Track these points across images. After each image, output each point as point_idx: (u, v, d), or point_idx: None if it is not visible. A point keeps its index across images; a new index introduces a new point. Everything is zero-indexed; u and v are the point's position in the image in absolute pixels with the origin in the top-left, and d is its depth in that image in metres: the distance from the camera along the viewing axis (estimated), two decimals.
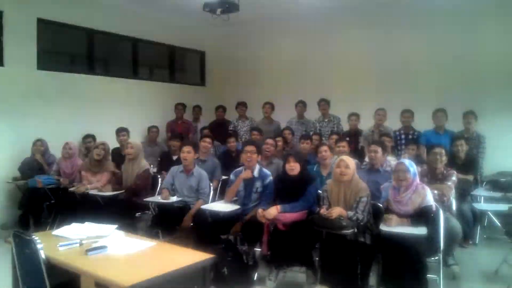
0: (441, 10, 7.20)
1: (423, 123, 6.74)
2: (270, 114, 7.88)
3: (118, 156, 6.39)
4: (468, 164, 5.55)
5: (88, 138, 6.87)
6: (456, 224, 4.32)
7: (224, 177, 5.77)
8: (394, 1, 7.23)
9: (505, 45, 6.82)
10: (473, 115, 6.32)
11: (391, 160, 5.33)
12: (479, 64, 6.98)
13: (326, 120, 7.48)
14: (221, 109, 8.29)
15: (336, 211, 3.85)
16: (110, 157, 6.08)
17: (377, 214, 4.03)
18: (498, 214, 5.26)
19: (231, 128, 7.91)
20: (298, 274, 4.29)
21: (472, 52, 7.02)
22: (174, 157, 6.47)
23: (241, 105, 8.08)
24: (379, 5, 7.43)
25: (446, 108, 6.48)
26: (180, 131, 7.93)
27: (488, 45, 6.92)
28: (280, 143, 6.28)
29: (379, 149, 4.94)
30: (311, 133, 7.12)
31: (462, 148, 5.58)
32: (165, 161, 6.53)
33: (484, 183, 5.72)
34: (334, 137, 6.16)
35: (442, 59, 7.27)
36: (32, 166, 6.16)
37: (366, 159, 5.46)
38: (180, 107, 8.24)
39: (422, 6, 7.30)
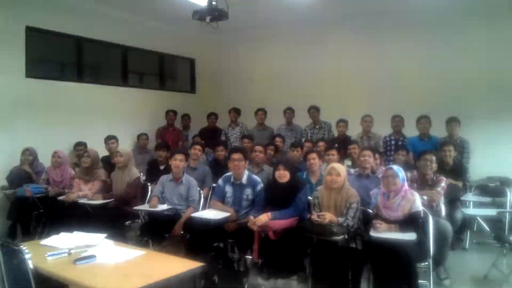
0: (427, 19, 7.29)
1: (407, 130, 6.82)
2: (264, 121, 7.90)
3: (108, 164, 6.34)
4: (456, 170, 5.55)
5: (80, 146, 6.82)
6: (446, 224, 4.34)
7: (214, 184, 5.75)
8: (381, 11, 7.31)
9: (490, 52, 6.91)
10: (457, 121, 6.35)
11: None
12: (465, 71, 7.05)
13: (317, 127, 7.49)
14: (213, 116, 8.31)
15: (327, 216, 3.87)
16: (101, 165, 6.03)
17: (367, 220, 4.05)
18: (487, 219, 5.32)
19: (222, 138, 7.90)
20: (289, 281, 4.28)
21: (458, 60, 7.10)
22: (161, 167, 6.43)
23: (234, 111, 8.09)
24: (367, 14, 7.51)
25: (432, 115, 6.52)
26: (170, 139, 7.91)
27: (474, 52, 7.01)
28: (271, 151, 6.27)
29: (371, 154, 4.98)
30: (303, 139, 7.12)
31: (450, 153, 5.56)
32: (153, 170, 6.49)
33: (473, 188, 5.74)
34: (321, 144, 6.17)
35: (428, 66, 7.36)
36: (21, 175, 6.08)
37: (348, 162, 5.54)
38: (172, 114, 8.24)
39: (408, 16, 7.39)
